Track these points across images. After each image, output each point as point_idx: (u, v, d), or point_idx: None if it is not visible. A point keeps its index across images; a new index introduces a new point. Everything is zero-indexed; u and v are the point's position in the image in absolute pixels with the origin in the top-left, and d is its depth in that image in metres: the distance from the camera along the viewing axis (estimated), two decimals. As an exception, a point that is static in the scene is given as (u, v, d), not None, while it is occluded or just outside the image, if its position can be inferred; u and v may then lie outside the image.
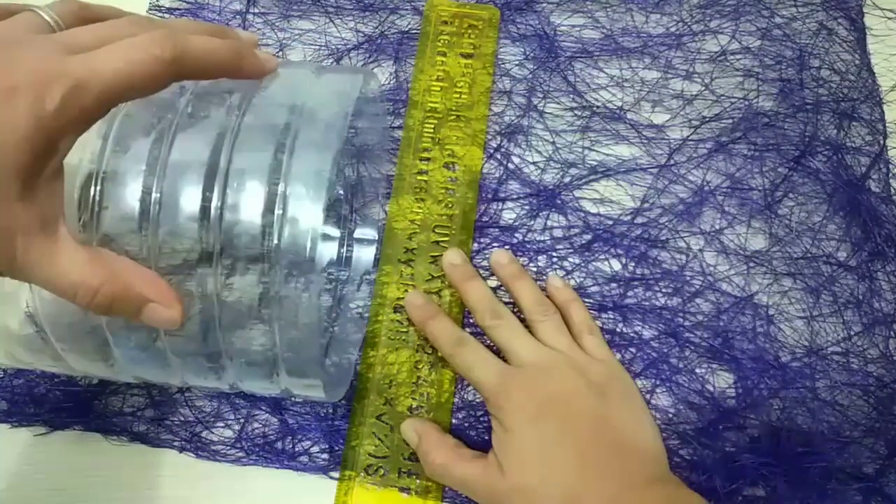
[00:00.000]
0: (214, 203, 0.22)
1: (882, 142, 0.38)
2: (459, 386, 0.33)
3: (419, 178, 0.37)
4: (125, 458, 0.31)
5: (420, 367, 0.33)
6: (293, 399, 0.32)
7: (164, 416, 0.32)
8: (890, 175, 0.37)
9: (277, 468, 0.31)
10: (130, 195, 0.22)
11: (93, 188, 0.22)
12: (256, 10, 0.42)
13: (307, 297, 0.21)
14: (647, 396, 0.32)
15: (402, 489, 0.31)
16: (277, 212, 0.21)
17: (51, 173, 0.19)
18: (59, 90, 0.19)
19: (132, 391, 0.32)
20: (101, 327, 0.23)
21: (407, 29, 0.41)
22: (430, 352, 0.33)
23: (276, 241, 0.21)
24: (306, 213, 0.21)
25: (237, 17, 0.42)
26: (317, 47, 0.41)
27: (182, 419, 0.32)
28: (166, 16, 0.42)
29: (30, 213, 0.19)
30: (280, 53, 0.41)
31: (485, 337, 0.32)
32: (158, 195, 0.22)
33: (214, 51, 0.22)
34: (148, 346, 0.23)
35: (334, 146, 0.22)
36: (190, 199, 0.22)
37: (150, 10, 0.42)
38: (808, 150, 0.38)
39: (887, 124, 0.39)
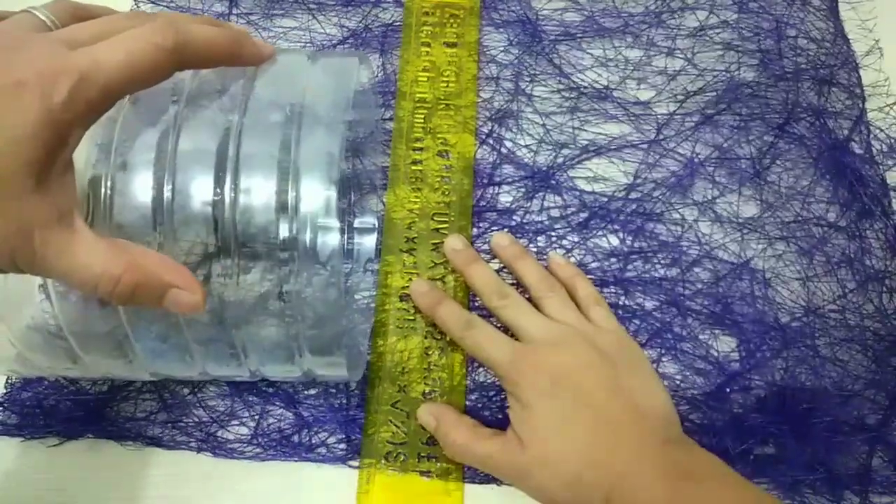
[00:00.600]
0: (228, 188, 0.22)
1: (861, 105, 0.39)
2: (470, 368, 0.33)
3: (414, 167, 0.37)
4: (126, 459, 0.31)
5: (430, 352, 0.33)
6: (307, 392, 0.32)
7: (178, 418, 0.32)
8: (871, 136, 0.38)
9: (296, 461, 0.31)
10: (142, 187, 0.22)
11: (103, 184, 0.22)
12: (239, 11, 0.42)
13: (330, 271, 0.21)
14: (654, 365, 0.33)
15: (422, 473, 0.31)
16: (291, 194, 0.22)
17: (62, 167, 0.19)
18: (65, 84, 0.19)
19: (143, 396, 0.32)
20: (121, 323, 0.23)
21: (390, 21, 0.41)
22: (439, 337, 0.33)
23: (292, 221, 0.22)
24: (321, 190, 0.22)
25: (220, 18, 0.42)
26: (302, 44, 0.41)
27: (196, 420, 0.32)
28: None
29: (46, 207, 0.19)
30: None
31: (492, 319, 0.33)
32: (171, 186, 0.22)
33: (214, 38, 0.22)
34: (169, 336, 0.23)
35: (341, 127, 0.22)
36: (202, 188, 0.22)
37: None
38: (791, 117, 0.39)
39: (864, 88, 0.40)
